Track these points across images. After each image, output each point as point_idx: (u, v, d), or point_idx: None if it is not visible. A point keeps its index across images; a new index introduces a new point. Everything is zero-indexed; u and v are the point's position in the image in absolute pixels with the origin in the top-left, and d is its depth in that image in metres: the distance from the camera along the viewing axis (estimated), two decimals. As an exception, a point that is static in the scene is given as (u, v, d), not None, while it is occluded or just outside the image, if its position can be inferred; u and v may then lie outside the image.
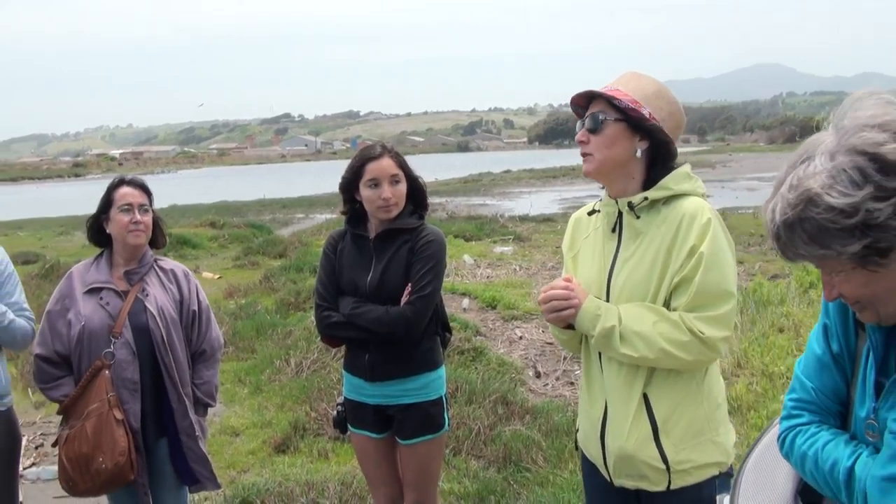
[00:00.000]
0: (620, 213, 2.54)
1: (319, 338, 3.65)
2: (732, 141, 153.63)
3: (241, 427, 6.62)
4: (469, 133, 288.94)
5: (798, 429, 1.77)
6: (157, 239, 3.72)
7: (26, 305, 3.66)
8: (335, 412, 3.64)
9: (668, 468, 2.44)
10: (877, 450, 1.59)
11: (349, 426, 3.58)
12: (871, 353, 1.66)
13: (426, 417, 3.43)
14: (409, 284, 3.32)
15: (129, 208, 3.55)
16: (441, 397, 3.48)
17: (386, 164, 3.36)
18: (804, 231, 1.47)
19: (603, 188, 2.62)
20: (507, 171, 60.38)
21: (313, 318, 3.62)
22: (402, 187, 3.40)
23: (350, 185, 3.44)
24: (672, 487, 2.46)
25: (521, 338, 9.37)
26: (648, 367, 2.45)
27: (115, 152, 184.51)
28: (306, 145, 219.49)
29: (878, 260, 1.45)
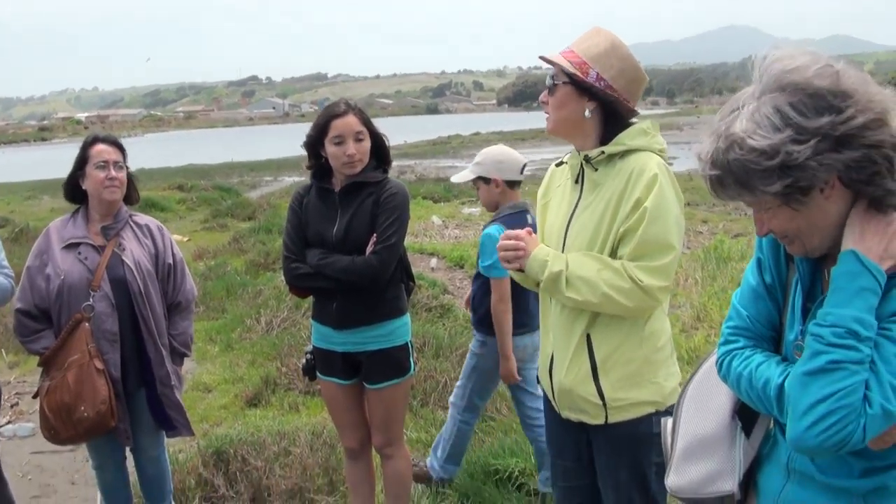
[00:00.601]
0: (582, 166, 2.69)
1: (288, 289, 3.77)
2: (701, 103, 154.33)
3: (214, 383, 6.75)
4: (438, 95, 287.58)
5: (734, 352, 1.90)
6: (131, 195, 3.81)
7: (6, 263, 3.74)
8: (304, 360, 3.78)
9: (604, 404, 2.63)
10: None
11: (318, 374, 3.72)
12: (798, 283, 1.82)
13: (393, 362, 3.58)
14: (374, 235, 3.44)
15: (104, 165, 3.64)
16: (407, 343, 3.63)
17: (350, 122, 3.46)
18: (731, 173, 1.61)
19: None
20: (477, 134, 60.32)
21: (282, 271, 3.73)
22: (367, 144, 3.51)
23: (315, 141, 3.54)
24: (609, 421, 2.65)
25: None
26: (591, 311, 2.61)
27: (81, 116, 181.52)
28: (274, 108, 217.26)
29: (800, 198, 1.60)
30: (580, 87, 2.60)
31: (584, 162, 2.67)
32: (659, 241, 2.51)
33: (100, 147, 3.68)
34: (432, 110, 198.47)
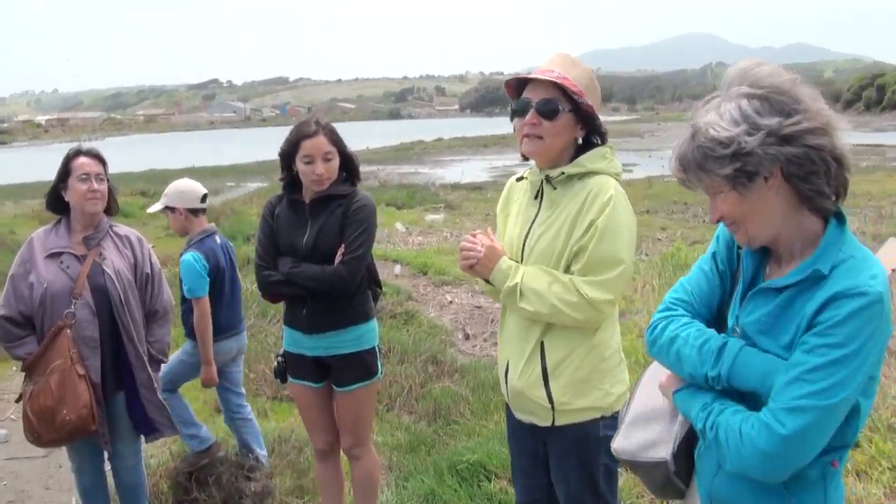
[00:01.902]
0: (542, 183, 2.85)
1: (260, 295, 3.92)
2: (662, 110, 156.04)
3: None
4: (400, 100, 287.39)
5: (672, 318, 2.13)
6: (111, 206, 3.94)
7: None
8: (275, 363, 3.92)
9: (553, 407, 2.81)
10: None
11: (289, 377, 3.87)
12: (741, 276, 2.06)
13: (362, 365, 3.74)
14: (343, 245, 3.60)
15: (86, 178, 3.76)
16: (375, 347, 3.79)
17: (320, 142, 3.61)
18: (693, 158, 1.87)
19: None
20: (439, 139, 60.52)
21: (255, 278, 3.88)
22: (335, 164, 3.66)
23: (287, 156, 3.69)
24: (556, 424, 2.83)
25: (451, 302, 9.72)
26: (540, 320, 2.78)
27: (41, 118, 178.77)
28: (235, 112, 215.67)
29: (746, 182, 1.83)
30: (579, 114, 2.75)
31: (544, 180, 2.82)
32: (607, 257, 2.67)
33: (82, 160, 3.80)
34: (395, 115, 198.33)
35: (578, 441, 2.83)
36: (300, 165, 3.63)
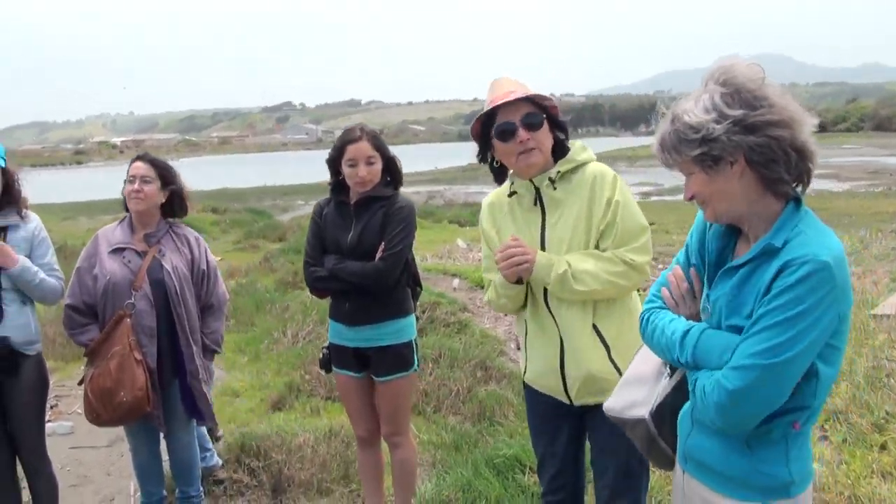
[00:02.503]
0: (538, 189, 3.12)
1: (309, 290, 4.21)
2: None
3: (241, 389, 7.20)
4: (470, 122, 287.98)
5: (653, 310, 2.40)
6: (175, 208, 4.29)
7: (57, 266, 4.19)
8: (321, 354, 4.21)
9: (620, 375, 2.98)
10: (710, 326, 2.20)
11: (333, 367, 4.15)
12: (707, 258, 2.31)
13: (399, 357, 4.00)
14: (383, 243, 3.87)
15: (133, 179, 4.13)
16: (412, 341, 4.05)
17: (363, 147, 3.90)
18: (669, 141, 2.10)
19: (510, 173, 3.20)
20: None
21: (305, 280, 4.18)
22: (377, 167, 3.95)
23: (334, 161, 3.99)
24: None
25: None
26: (593, 303, 3.03)
27: (117, 140, 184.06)
28: (307, 134, 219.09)
29: (712, 165, 2.06)
30: (551, 120, 3.08)
31: (546, 184, 3.08)
32: (635, 225, 3.00)
33: (135, 164, 4.18)
34: (464, 137, 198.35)
35: None
36: (345, 168, 3.91)
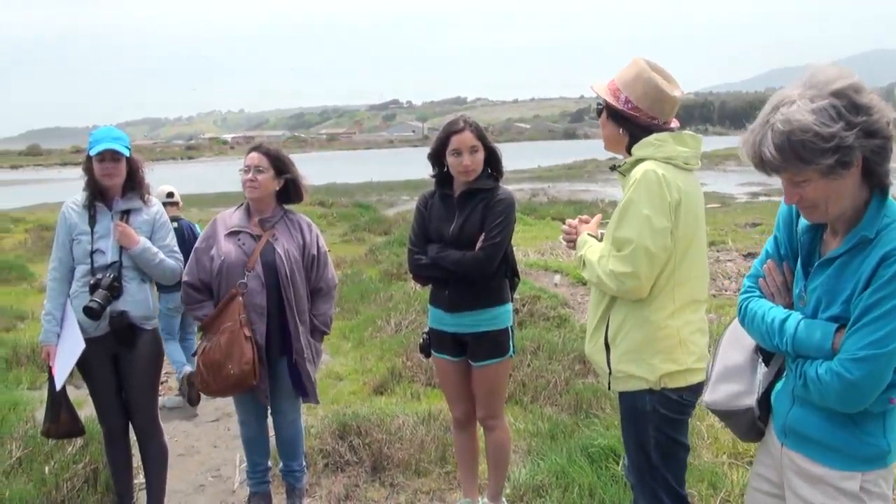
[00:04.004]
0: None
1: (411, 277, 4.40)
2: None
3: (345, 373, 7.47)
4: (576, 120, 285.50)
5: (751, 298, 2.52)
6: (290, 195, 4.56)
7: (177, 248, 4.51)
8: (421, 339, 4.40)
9: (609, 372, 3.19)
10: (804, 315, 2.34)
11: (432, 351, 4.33)
12: (800, 251, 2.43)
13: (495, 344, 4.14)
14: (483, 234, 4.02)
15: (247, 169, 4.40)
16: (508, 328, 4.18)
17: (466, 137, 4.07)
18: (792, 150, 2.13)
19: None
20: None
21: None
22: (480, 156, 4.10)
23: (438, 153, 4.16)
24: (612, 389, 3.25)
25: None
26: (604, 293, 3.17)
27: (227, 136, 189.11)
28: (413, 131, 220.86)
29: (841, 171, 2.13)
30: (610, 111, 3.21)
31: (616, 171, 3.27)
32: (620, 236, 3.05)
33: (250, 155, 4.45)
34: (570, 135, 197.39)
35: (630, 409, 3.21)
36: (449, 158, 4.08)
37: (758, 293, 2.53)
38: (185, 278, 4.44)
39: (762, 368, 2.59)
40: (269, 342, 4.37)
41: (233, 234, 4.40)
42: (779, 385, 2.52)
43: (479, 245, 4.02)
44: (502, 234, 4.04)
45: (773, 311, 2.42)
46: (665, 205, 2.99)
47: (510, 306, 4.22)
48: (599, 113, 3.25)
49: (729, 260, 12.82)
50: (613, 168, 3.30)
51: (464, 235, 4.07)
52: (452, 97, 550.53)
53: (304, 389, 4.51)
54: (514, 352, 4.28)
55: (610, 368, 3.18)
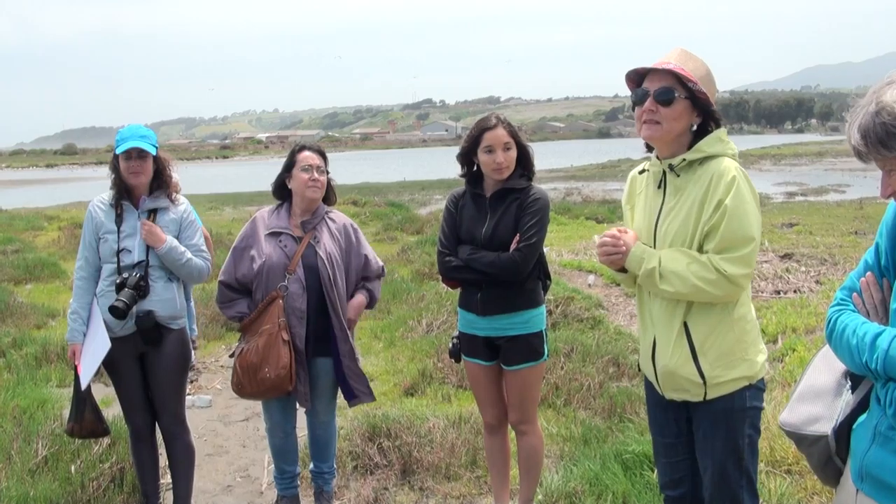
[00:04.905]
0: (665, 173, 3.07)
1: (441, 279, 4.30)
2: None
3: (376, 374, 7.38)
4: (611, 119, 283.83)
5: (844, 311, 2.25)
6: (329, 196, 4.50)
7: (204, 248, 4.45)
8: (451, 344, 4.29)
9: (704, 382, 2.98)
10: None
11: (463, 355, 4.22)
12: None
13: (529, 347, 4.03)
14: (518, 235, 3.91)
15: (308, 168, 4.32)
16: (542, 331, 4.07)
17: (500, 134, 3.96)
18: (875, 134, 1.97)
19: (653, 150, 3.14)
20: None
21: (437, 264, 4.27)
22: (513, 153, 3.99)
23: (469, 151, 4.06)
24: (708, 398, 3.00)
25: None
26: (687, 301, 2.96)
27: (262, 136, 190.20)
28: (446, 130, 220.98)
29: None
30: (696, 102, 2.96)
31: (667, 169, 3.03)
32: (739, 235, 2.85)
33: (305, 153, 4.37)
34: (604, 134, 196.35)
35: (725, 412, 2.99)
36: (482, 156, 3.97)
37: (851, 307, 2.25)
38: (221, 278, 4.40)
39: (847, 394, 2.32)
40: (309, 346, 4.31)
41: (273, 234, 4.35)
42: (862, 417, 2.23)
43: (513, 246, 3.91)
44: (538, 235, 3.93)
45: (866, 326, 2.13)
46: (758, 201, 2.95)
47: (543, 309, 4.11)
48: (670, 101, 2.93)
49: (766, 261, 12.56)
50: (672, 165, 3.00)
51: (497, 237, 3.96)
52: (486, 96, 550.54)
53: (352, 392, 4.46)
54: (547, 355, 4.16)
55: (704, 378, 2.98)
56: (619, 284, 11.27)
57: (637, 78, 3.07)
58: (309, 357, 4.33)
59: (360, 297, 4.53)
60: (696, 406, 3.07)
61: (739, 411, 2.98)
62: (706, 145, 2.98)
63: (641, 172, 3.27)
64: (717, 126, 3.02)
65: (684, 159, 2.98)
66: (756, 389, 3.02)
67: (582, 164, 53.77)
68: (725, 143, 3.00)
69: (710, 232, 2.90)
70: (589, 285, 11.36)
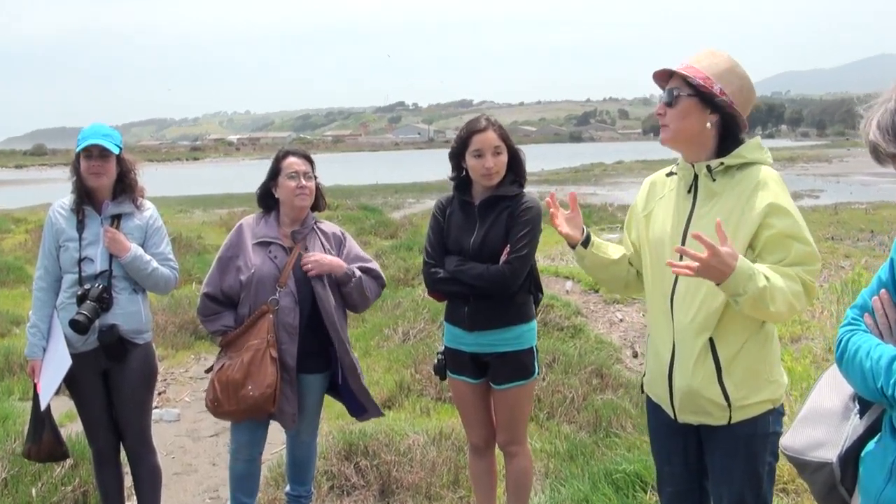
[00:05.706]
0: (696, 176, 2.86)
1: (427, 292, 4.06)
2: (852, 135, 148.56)
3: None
4: (582, 123, 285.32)
5: (856, 331, 2.06)
6: (319, 203, 4.23)
7: (171, 256, 4.17)
8: (436, 360, 4.04)
9: (729, 405, 2.75)
10: None
11: (448, 372, 3.98)
12: None
13: (519, 365, 3.80)
14: (508, 245, 3.68)
15: (295, 175, 4.05)
16: (532, 347, 3.84)
17: (489, 137, 3.73)
18: (889, 128, 1.81)
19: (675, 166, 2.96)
20: (620, 162, 59.65)
21: (422, 280, 4.02)
22: (503, 158, 3.77)
23: (458, 153, 3.83)
24: (732, 422, 2.77)
25: (621, 320, 9.61)
26: (718, 314, 2.73)
27: (233, 137, 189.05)
28: (419, 133, 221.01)
29: None
30: (704, 99, 2.77)
31: (704, 172, 2.82)
32: (809, 252, 2.67)
33: (291, 160, 4.10)
34: (576, 138, 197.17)
35: (748, 439, 2.79)
36: (470, 160, 3.74)
37: (863, 327, 2.06)
38: (205, 289, 4.11)
39: (855, 419, 2.13)
40: (301, 362, 4.06)
41: (262, 244, 4.08)
42: (871, 445, 2.05)
43: (503, 258, 3.68)
44: (529, 247, 3.71)
45: (881, 349, 1.94)
46: None
47: (535, 324, 3.89)
48: (673, 101, 2.80)
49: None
50: (710, 167, 2.80)
51: (486, 247, 3.73)
52: (458, 100, 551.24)
53: (361, 407, 4.25)
54: (538, 372, 3.93)
55: (728, 400, 2.75)
56: (597, 291, 11.10)
57: (666, 79, 2.92)
58: (300, 374, 4.08)
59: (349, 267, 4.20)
60: (712, 431, 2.84)
61: (762, 437, 2.78)
62: (747, 151, 2.81)
63: (669, 175, 3.04)
64: (741, 127, 2.84)
65: (722, 163, 2.79)
66: (778, 413, 2.82)
67: (555, 168, 53.70)
68: (763, 151, 2.85)
69: (775, 243, 2.67)
70: (567, 291, 11.16)
